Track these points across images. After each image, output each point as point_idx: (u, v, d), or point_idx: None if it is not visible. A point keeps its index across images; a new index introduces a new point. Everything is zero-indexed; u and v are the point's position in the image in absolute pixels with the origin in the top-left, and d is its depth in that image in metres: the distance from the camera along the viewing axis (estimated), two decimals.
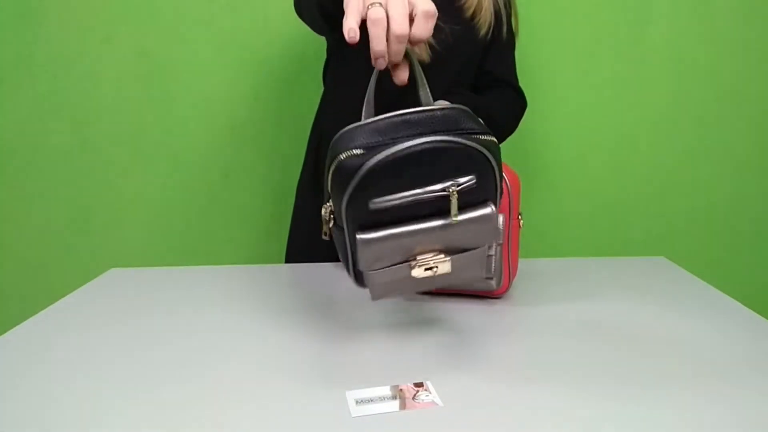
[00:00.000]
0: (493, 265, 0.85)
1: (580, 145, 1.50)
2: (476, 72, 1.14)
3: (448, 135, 0.59)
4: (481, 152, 0.60)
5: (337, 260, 1.10)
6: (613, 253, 1.55)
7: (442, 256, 0.64)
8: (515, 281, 0.98)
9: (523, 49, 1.37)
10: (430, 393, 0.62)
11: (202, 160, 1.47)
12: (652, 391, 0.63)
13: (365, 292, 0.93)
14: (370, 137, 0.60)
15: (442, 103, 0.64)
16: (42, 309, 0.90)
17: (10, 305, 1.51)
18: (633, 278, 1.00)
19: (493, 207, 0.63)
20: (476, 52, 1.12)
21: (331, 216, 0.64)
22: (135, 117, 1.44)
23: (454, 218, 0.60)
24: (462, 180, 0.60)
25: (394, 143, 0.59)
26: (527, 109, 1.17)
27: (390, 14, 0.59)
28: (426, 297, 0.92)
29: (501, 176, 0.64)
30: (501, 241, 0.84)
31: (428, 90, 0.68)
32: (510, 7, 1.14)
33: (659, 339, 0.76)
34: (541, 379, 0.65)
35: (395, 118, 0.61)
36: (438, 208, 0.61)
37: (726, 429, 0.55)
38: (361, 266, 0.62)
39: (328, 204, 0.63)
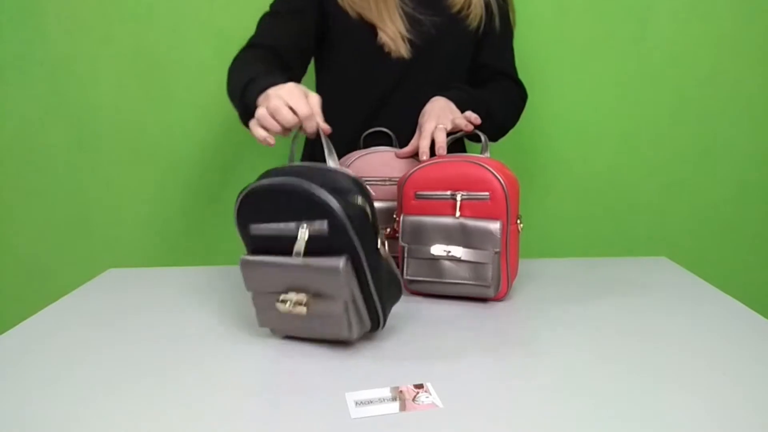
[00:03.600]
0: (489, 273, 0.84)
1: (581, 144, 1.50)
2: (471, 66, 1.13)
3: (315, 185, 0.65)
4: (331, 206, 0.64)
5: None
6: (614, 253, 1.55)
7: (304, 298, 0.68)
8: (515, 282, 0.98)
9: (524, 49, 1.36)
10: (430, 395, 0.62)
11: (202, 160, 1.47)
12: (652, 390, 0.62)
13: None
14: (267, 176, 0.69)
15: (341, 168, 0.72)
16: (42, 309, 0.90)
17: (10, 305, 1.51)
18: (634, 278, 1.00)
19: (344, 262, 0.65)
20: (466, 46, 1.09)
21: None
22: (134, 117, 1.44)
23: (296, 254, 0.66)
24: (316, 224, 0.65)
25: (268, 178, 0.67)
26: (528, 109, 1.16)
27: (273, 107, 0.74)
28: (425, 299, 0.91)
29: (361, 239, 0.66)
30: (498, 249, 0.83)
31: (335, 157, 0.76)
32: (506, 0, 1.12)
33: (660, 338, 0.75)
34: (541, 380, 0.65)
35: (295, 167, 0.71)
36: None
37: (725, 428, 0.55)
38: (245, 285, 0.73)
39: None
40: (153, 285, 0.99)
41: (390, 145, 1.04)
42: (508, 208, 0.84)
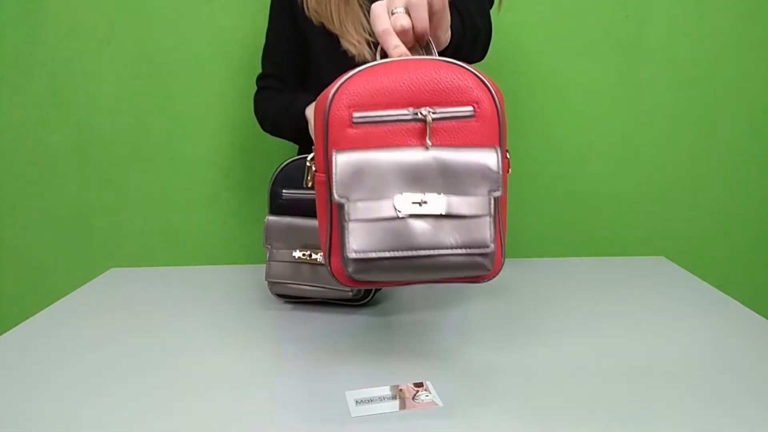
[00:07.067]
0: (488, 232, 0.51)
1: (580, 144, 1.50)
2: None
3: None
4: None
5: None
6: (613, 252, 1.55)
7: (318, 252, 0.83)
8: (514, 282, 0.98)
9: (523, 49, 1.37)
10: (430, 393, 0.62)
11: (203, 160, 1.47)
12: (651, 390, 0.63)
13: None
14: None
15: None
16: (42, 309, 0.90)
17: (10, 305, 1.51)
18: (633, 278, 1.00)
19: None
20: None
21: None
22: (135, 117, 1.44)
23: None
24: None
25: None
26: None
27: None
28: (424, 300, 0.92)
29: None
30: (499, 193, 0.52)
31: None
32: None
33: (659, 339, 0.76)
34: (540, 380, 0.65)
35: None
36: None
37: (725, 428, 0.56)
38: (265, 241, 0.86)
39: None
40: (155, 285, 1.00)
41: None
42: (501, 131, 0.54)
